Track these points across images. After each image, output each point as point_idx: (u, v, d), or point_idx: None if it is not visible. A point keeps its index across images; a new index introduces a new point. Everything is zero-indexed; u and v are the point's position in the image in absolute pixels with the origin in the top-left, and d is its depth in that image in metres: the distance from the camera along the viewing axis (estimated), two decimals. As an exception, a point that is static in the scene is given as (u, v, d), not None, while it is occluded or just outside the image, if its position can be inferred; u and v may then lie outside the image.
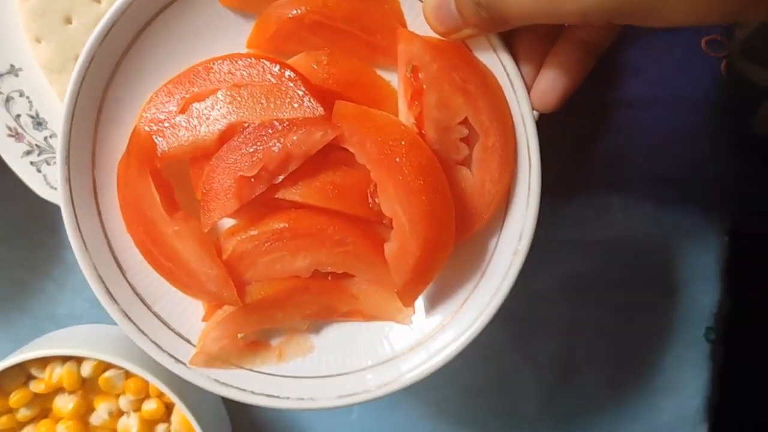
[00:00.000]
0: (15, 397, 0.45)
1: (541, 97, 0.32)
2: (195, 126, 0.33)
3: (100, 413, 0.46)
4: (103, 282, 0.34)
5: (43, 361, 0.45)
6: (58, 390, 0.46)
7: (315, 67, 0.34)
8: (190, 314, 0.36)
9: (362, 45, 0.34)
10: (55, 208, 0.49)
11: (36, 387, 0.46)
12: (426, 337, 0.35)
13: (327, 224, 0.33)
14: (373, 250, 0.33)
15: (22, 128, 0.46)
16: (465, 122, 0.32)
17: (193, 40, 0.34)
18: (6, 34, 0.46)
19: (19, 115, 0.46)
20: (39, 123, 0.47)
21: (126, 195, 0.33)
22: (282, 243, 0.33)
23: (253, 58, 0.33)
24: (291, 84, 0.32)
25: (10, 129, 0.46)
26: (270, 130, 0.32)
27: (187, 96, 0.33)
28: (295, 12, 0.33)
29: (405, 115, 0.33)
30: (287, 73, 0.32)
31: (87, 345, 0.45)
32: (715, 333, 0.52)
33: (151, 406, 0.46)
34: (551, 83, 0.32)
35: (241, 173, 0.32)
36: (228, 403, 0.51)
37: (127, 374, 0.45)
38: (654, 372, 0.52)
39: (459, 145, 0.33)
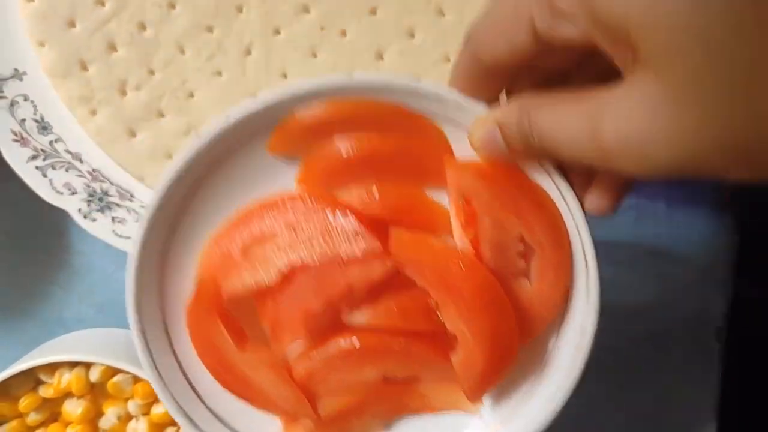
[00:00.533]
0: (24, 402, 0.45)
1: (597, 204, 0.32)
2: (256, 268, 0.35)
3: (109, 417, 0.46)
4: (183, 410, 0.36)
5: (52, 367, 0.45)
6: (67, 394, 0.46)
7: (366, 198, 0.35)
8: (267, 426, 0.38)
9: (410, 172, 0.35)
10: (59, 213, 0.48)
11: (45, 392, 0.46)
12: (496, 424, 0.36)
13: (392, 340, 0.35)
14: (439, 357, 0.35)
15: (27, 133, 0.46)
16: (520, 238, 0.34)
17: (247, 183, 0.36)
18: (9, 38, 0.46)
19: (24, 120, 0.46)
20: (44, 127, 0.47)
21: (197, 334, 0.36)
22: (350, 359, 0.35)
23: (307, 199, 0.35)
24: (345, 220, 0.34)
25: (15, 134, 0.46)
26: (330, 268, 0.34)
27: (247, 240, 0.35)
28: (341, 151, 0.35)
29: (459, 237, 0.34)
30: (340, 210, 0.34)
31: (95, 350, 0.45)
32: (726, 333, 0.51)
33: (159, 409, 0.45)
34: (604, 190, 0.32)
35: (307, 310, 0.35)
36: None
37: (135, 379, 0.45)
38: (663, 372, 0.52)
39: (516, 259, 0.34)
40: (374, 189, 0.35)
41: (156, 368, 0.35)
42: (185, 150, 0.33)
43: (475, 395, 0.34)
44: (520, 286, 0.34)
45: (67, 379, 0.45)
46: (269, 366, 0.35)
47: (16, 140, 0.46)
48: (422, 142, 0.34)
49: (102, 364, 0.44)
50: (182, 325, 0.37)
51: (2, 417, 0.46)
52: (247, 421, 0.37)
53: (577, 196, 0.32)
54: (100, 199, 0.47)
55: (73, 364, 0.45)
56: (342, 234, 0.34)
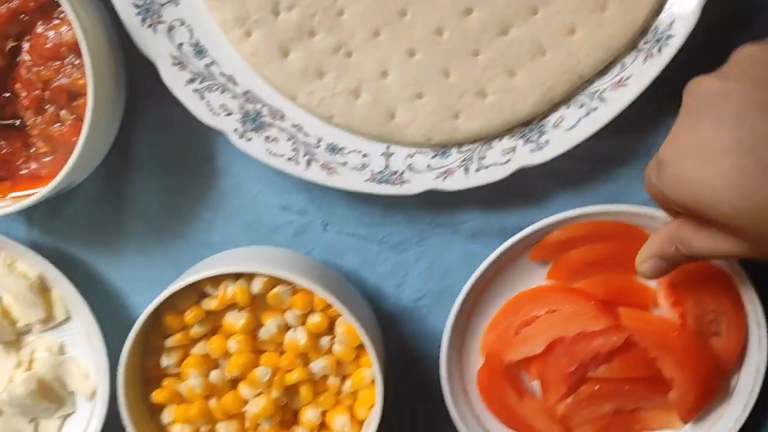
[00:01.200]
0: (189, 315, 0.48)
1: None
2: (527, 342, 0.51)
3: (269, 328, 0.48)
4: None
5: (215, 281, 0.48)
6: (229, 307, 0.49)
7: (598, 287, 0.51)
8: None
9: (625, 266, 0.49)
10: (213, 135, 0.51)
11: (208, 305, 0.48)
12: None
13: (623, 384, 0.51)
14: (655, 393, 0.51)
15: (185, 56, 0.48)
16: (713, 309, 0.51)
17: (513, 283, 0.52)
18: (162, -33, 0.48)
19: (181, 44, 0.48)
20: (200, 51, 0.49)
21: (487, 391, 0.53)
22: (594, 400, 0.52)
23: (559, 291, 0.52)
24: (588, 305, 0.51)
25: (174, 58, 0.48)
26: (580, 339, 0.50)
27: (517, 323, 0.52)
28: (580, 256, 0.52)
29: (667, 310, 0.51)
30: (584, 296, 0.51)
31: (256, 263, 0.47)
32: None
33: (315, 319, 0.48)
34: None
35: (566, 370, 0.51)
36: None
37: (294, 290, 0.47)
38: None
39: (710, 324, 0.50)
40: (602, 280, 0.51)
41: (461, 418, 0.51)
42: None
43: (686, 419, 0.51)
44: (713, 342, 0.51)
45: (231, 291, 0.47)
46: (541, 411, 0.52)
47: (174, 64, 0.48)
48: (634, 243, 0.46)
49: (265, 275, 0.47)
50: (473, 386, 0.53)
51: (169, 329, 0.49)
52: None
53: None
54: (254, 119, 0.49)
55: (235, 277, 0.48)
56: (587, 314, 0.50)
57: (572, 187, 0.52)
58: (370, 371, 0.47)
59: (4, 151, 0.50)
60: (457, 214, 0.52)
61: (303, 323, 0.48)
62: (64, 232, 0.54)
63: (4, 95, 0.49)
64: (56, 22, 0.47)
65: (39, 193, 0.47)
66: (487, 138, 0.48)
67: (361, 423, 0.49)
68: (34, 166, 0.51)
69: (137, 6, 0.48)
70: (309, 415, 0.49)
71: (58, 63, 0.48)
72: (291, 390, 0.49)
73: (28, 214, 0.54)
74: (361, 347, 0.48)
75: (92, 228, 0.55)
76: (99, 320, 0.52)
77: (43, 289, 0.53)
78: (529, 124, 0.48)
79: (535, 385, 0.52)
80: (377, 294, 0.54)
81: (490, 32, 0.47)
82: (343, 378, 0.49)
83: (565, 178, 0.51)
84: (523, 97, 0.47)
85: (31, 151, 0.50)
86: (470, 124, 0.48)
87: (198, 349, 0.49)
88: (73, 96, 0.48)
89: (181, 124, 0.51)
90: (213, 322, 0.49)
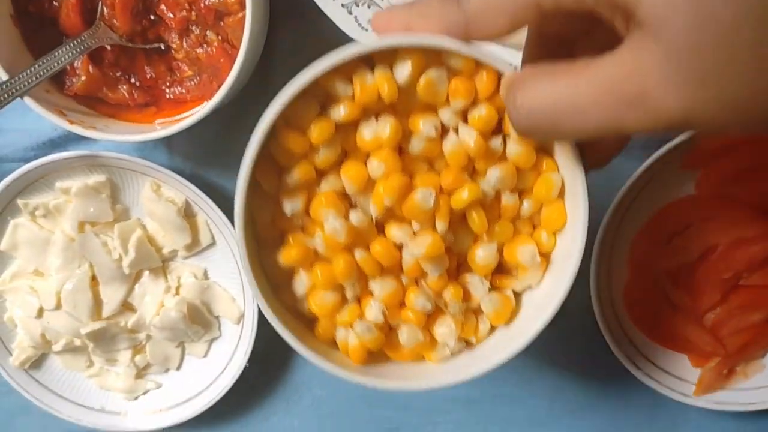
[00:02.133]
0: (315, 132, 0.34)
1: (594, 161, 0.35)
2: (678, 251, 0.52)
3: (424, 132, 0.34)
4: None
5: (343, 73, 0.33)
6: (364, 113, 0.34)
7: (753, 193, 0.51)
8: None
9: None
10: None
11: (337, 111, 0.34)
12: None
13: None
14: None
15: (331, -29, 0.47)
16: None
17: (662, 191, 0.51)
18: None
19: (327, -41, 0.47)
20: (346, -35, 0.48)
21: (636, 305, 0.52)
22: (746, 308, 0.52)
23: (712, 199, 0.51)
24: (743, 211, 0.51)
25: (320, -27, 0.47)
26: (737, 248, 0.50)
27: (670, 231, 0.52)
28: (732, 162, 0.51)
29: None
30: (738, 203, 0.51)
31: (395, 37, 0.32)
32: None
33: (481, 112, 0.34)
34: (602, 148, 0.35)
35: (721, 277, 0.51)
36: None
37: (450, 72, 0.33)
38: None
39: None
40: (758, 186, 0.49)
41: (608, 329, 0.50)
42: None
43: None
44: None
45: (371, 82, 0.33)
46: (691, 320, 0.52)
47: (320, -21, 0.47)
48: None
49: (414, 46, 0.32)
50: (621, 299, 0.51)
51: (288, 158, 0.35)
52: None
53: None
54: (403, 34, 0.48)
55: (366, 63, 0.34)
56: (743, 221, 0.49)
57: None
58: (558, 176, 0.35)
59: (149, 75, 0.50)
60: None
61: (464, 121, 0.35)
62: (203, 158, 0.55)
63: (149, 18, 0.49)
64: (204, -62, 0.46)
65: (196, 113, 0.46)
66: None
67: (546, 255, 0.37)
68: (178, 90, 0.50)
69: None
70: (482, 254, 0.36)
71: (205, -19, 0.47)
72: (454, 228, 0.36)
73: (169, 140, 0.54)
74: (541, 149, 0.35)
75: (229, 154, 0.55)
76: (243, 244, 0.52)
77: (188, 214, 0.53)
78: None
79: (684, 296, 0.52)
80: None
81: None
82: (521, 195, 0.36)
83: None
84: None
85: (176, 75, 0.50)
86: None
87: (328, 184, 0.35)
88: (219, 15, 0.48)
89: (322, 45, 0.51)
90: (343, 143, 0.35)
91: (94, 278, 0.54)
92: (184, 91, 0.50)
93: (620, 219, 0.51)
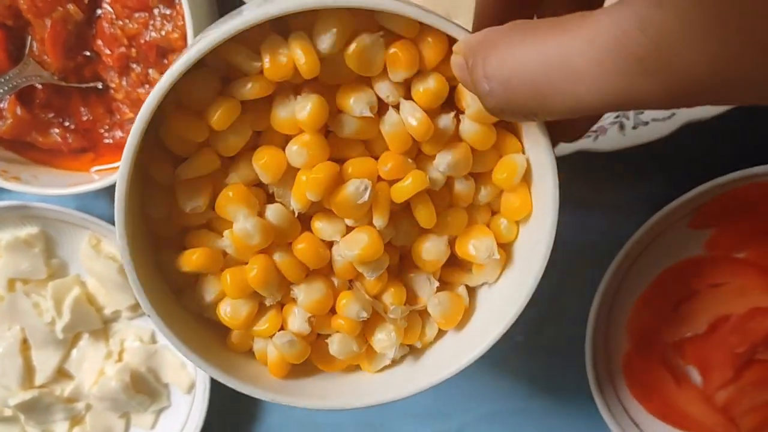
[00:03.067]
0: (215, 115, 0.27)
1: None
2: (686, 320, 0.46)
3: (356, 109, 0.27)
4: None
5: (246, 45, 0.27)
6: (277, 91, 0.28)
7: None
8: None
9: None
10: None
11: (242, 91, 0.27)
12: None
13: None
14: None
15: None
16: None
17: (667, 253, 0.45)
18: None
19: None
20: None
21: (636, 378, 0.46)
22: (762, 385, 0.46)
23: (723, 262, 0.45)
24: (759, 278, 0.45)
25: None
26: (752, 319, 0.44)
27: (675, 298, 0.46)
28: (747, 222, 0.45)
29: None
30: (753, 271, 0.45)
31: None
32: None
33: (429, 84, 0.27)
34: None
35: (734, 352, 0.45)
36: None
37: (388, 37, 0.27)
38: None
39: None
40: None
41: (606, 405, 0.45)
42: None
43: None
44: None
45: (283, 57, 0.27)
46: (699, 398, 0.46)
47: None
48: None
49: (344, 7, 0.25)
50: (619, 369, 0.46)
51: (182, 145, 0.29)
52: None
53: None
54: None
55: (276, 30, 0.27)
56: (758, 287, 0.44)
57: (739, 147, 0.45)
58: (522, 158, 0.29)
59: (86, 118, 0.44)
60: (602, 179, 0.46)
61: (406, 96, 0.28)
62: (151, 208, 0.49)
63: (84, 54, 0.43)
64: (143, -35, 0.41)
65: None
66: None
67: (507, 246, 0.31)
68: (119, 134, 0.45)
69: (235, -56, 0.41)
70: (430, 248, 0.30)
71: (145, 15, 0.41)
72: (395, 219, 0.30)
73: (111, 188, 0.48)
74: (502, 125, 0.29)
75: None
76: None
77: (131, 272, 0.48)
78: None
79: (691, 369, 0.46)
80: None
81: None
82: (477, 180, 0.30)
83: (733, 136, 0.44)
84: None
85: (116, 117, 0.44)
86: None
87: (238, 176, 0.29)
88: (163, 52, 0.42)
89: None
90: (254, 123, 0.29)
91: (25, 342, 0.48)
92: (124, 135, 0.44)
93: (620, 280, 0.45)
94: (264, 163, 0.28)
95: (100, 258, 0.46)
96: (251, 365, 0.31)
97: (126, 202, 0.28)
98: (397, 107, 0.28)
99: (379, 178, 0.28)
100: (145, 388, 0.49)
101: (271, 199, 0.29)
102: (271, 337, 0.30)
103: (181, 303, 0.31)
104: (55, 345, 0.47)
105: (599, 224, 0.46)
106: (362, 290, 0.30)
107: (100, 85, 0.44)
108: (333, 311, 0.30)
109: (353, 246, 0.28)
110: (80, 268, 0.48)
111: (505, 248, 0.31)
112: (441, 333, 0.32)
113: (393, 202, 0.28)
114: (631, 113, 0.41)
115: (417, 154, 0.29)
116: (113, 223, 0.45)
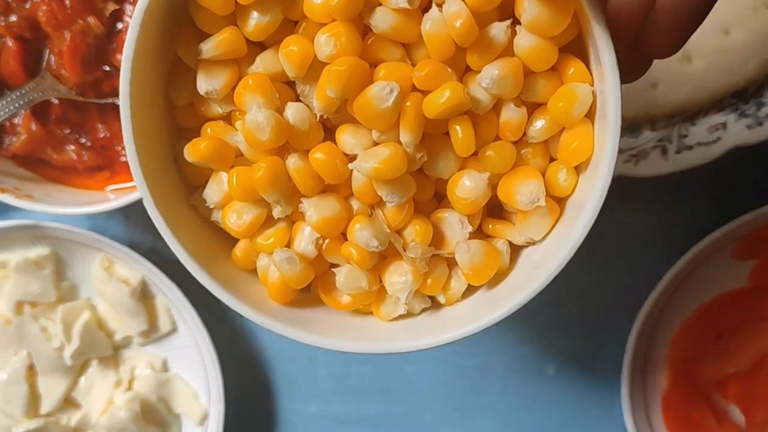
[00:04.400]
0: None
1: (661, 41, 0.23)
2: (728, 355, 0.43)
3: (392, 0, 0.25)
4: None
5: None
6: None
7: None
8: None
9: None
10: None
11: None
12: None
13: None
14: None
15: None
16: None
17: (711, 282, 0.43)
18: None
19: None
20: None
21: (675, 414, 0.44)
22: None
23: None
24: None
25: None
26: None
27: (718, 330, 0.43)
28: None
29: None
30: None
31: None
32: None
33: None
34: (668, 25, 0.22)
35: None
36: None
37: None
38: None
39: None
40: None
41: None
42: None
43: None
44: None
45: None
46: None
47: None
48: None
49: None
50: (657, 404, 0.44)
51: (210, 19, 0.26)
52: None
53: None
54: None
55: None
56: None
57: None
58: (587, 89, 0.25)
59: (102, 134, 0.43)
60: (643, 205, 0.44)
61: None
62: (167, 229, 0.47)
63: (103, 68, 0.41)
64: (168, -22, 0.39)
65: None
66: (690, 112, 0.40)
67: (563, 199, 0.27)
68: (136, 152, 0.43)
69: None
70: (468, 184, 0.26)
71: (168, 28, 0.40)
72: (431, 143, 0.26)
73: (126, 208, 0.46)
74: (567, 49, 0.26)
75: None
76: (209, 332, 0.44)
77: (145, 296, 0.45)
78: (743, 94, 0.39)
79: (733, 408, 0.44)
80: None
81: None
82: (532, 112, 0.26)
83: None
84: (740, 60, 0.38)
85: (134, 134, 0.43)
86: (671, 94, 0.39)
87: (263, 66, 0.27)
88: (185, 68, 0.40)
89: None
90: (287, 10, 0.26)
91: (31, 368, 0.45)
92: (142, 153, 0.43)
93: (660, 312, 0.42)
94: (289, 51, 0.25)
95: (113, 281, 0.44)
96: (252, 285, 0.28)
97: (132, 78, 0.26)
98: (442, 5, 0.24)
99: (414, 88, 0.25)
100: (155, 419, 0.46)
101: (298, 100, 0.26)
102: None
103: (191, 203, 0.28)
104: (62, 372, 0.45)
105: (638, 252, 0.44)
106: (381, 218, 0.26)
107: (118, 101, 0.42)
108: (347, 238, 0.27)
109: (371, 158, 0.25)
110: (91, 291, 0.46)
111: (561, 203, 0.26)
112: (470, 291, 0.28)
113: (428, 119, 0.25)
114: (674, 137, 0.40)
115: (464, 72, 0.25)
116: (127, 245, 0.44)
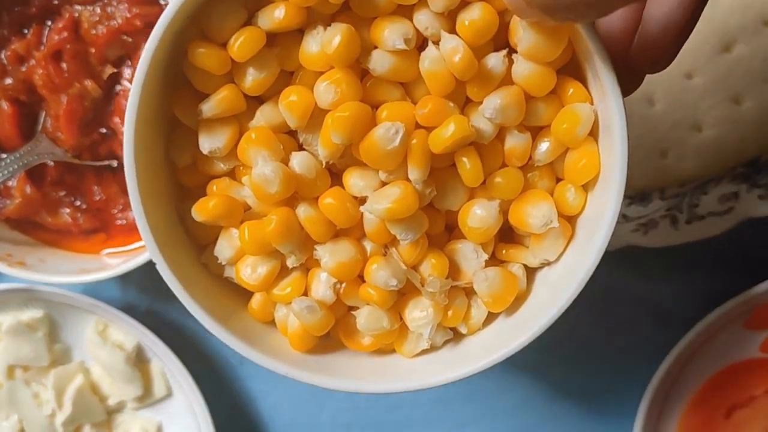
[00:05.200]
0: (237, 44, 0.25)
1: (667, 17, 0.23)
2: (741, 428, 0.42)
3: (391, 42, 0.24)
4: None
5: None
6: (306, 22, 0.25)
7: None
8: None
9: None
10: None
11: (267, 20, 0.25)
12: None
13: None
14: None
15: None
16: None
17: (721, 354, 0.42)
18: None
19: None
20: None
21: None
22: None
23: None
24: None
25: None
26: None
27: (728, 403, 0.42)
28: None
29: None
30: None
31: None
32: None
33: (474, 14, 0.24)
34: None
35: None
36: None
37: None
38: None
39: None
40: None
41: None
42: None
43: None
44: None
45: None
46: None
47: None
48: None
49: None
50: None
51: (207, 79, 0.26)
52: None
53: None
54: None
55: None
56: None
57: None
58: (588, 108, 0.25)
59: (98, 197, 0.42)
60: (654, 274, 0.43)
61: (451, 29, 0.25)
62: (163, 292, 0.46)
63: (100, 131, 0.41)
64: (166, 42, 0.39)
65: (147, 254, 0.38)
66: (701, 181, 0.39)
67: (573, 218, 0.27)
68: (132, 214, 0.42)
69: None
70: (479, 213, 0.26)
71: (166, 92, 0.39)
72: (439, 177, 0.26)
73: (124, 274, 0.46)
74: (564, 71, 0.26)
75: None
76: (205, 397, 0.43)
77: (140, 360, 0.44)
78: (755, 163, 0.38)
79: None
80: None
81: (710, 48, 0.37)
82: (535, 136, 0.26)
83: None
84: (752, 129, 0.37)
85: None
86: (682, 163, 0.38)
87: (264, 119, 0.26)
88: (183, 132, 0.40)
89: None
90: (282, 60, 0.26)
91: (23, 433, 0.44)
92: (139, 216, 0.42)
93: (672, 382, 0.41)
94: (290, 102, 0.25)
95: (107, 346, 0.43)
96: (272, 336, 0.28)
97: (136, 143, 0.25)
98: (437, 42, 0.24)
99: (418, 125, 0.25)
100: (149, 487, 0.45)
101: (301, 149, 0.26)
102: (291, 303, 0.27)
103: (201, 261, 0.28)
104: (53, 438, 0.44)
105: (649, 321, 0.43)
106: (396, 256, 0.26)
107: (115, 163, 0.41)
108: (364, 280, 0.27)
109: (383, 199, 0.25)
110: (85, 354, 0.45)
111: (571, 221, 0.26)
112: (490, 318, 0.28)
113: (434, 154, 0.25)
114: (684, 206, 0.38)
115: (465, 104, 0.26)
116: (122, 309, 0.43)
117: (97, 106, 0.40)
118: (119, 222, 0.42)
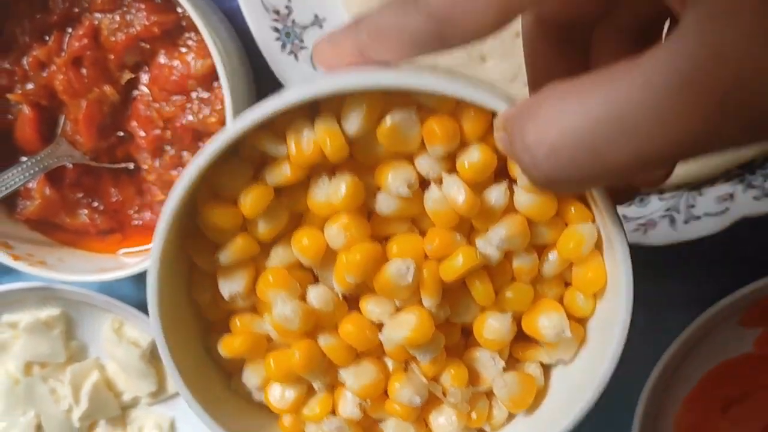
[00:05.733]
0: (247, 202, 0.26)
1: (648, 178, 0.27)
2: (737, 424, 0.43)
3: (393, 188, 0.25)
4: None
5: (273, 130, 0.25)
6: (309, 175, 0.27)
7: None
8: None
9: None
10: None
11: (274, 177, 0.26)
12: None
13: None
14: None
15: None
16: None
17: (714, 351, 0.43)
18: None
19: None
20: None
21: None
22: None
23: None
24: None
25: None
26: None
27: (725, 400, 0.43)
28: None
29: None
30: None
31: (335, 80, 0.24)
32: None
33: (474, 157, 0.25)
34: None
35: None
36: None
37: (422, 113, 0.25)
38: None
39: None
40: None
41: None
42: None
43: None
44: None
45: (309, 139, 0.25)
46: None
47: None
48: None
49: (364, 89, 0.24)
50: None
51: (220, 232, 0.27)
52: None
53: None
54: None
55: (306, 113, 0.25)
56: None
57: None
58: (590, 227, 0.26)
59: (115, 198, 0.43)
60: (650, 274, 0.44)
61: (451, 169, 0.26)
62: (177, 289, 0.47)
63: (117, 134, 0.42)
64: (183, 50, 0.40)
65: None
66: (696, 183, 0.40)
67: (583, 321, 0.28)
68: (148, 215, 0.43)
69: (276, 30, 0.41)
70: (493, 326, 0.27)
71: (182, 98, 0.41)
72: (452, 295, 0.27)
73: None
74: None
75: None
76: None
77: (154, 356, 0.46)
78: (750, 164, 0.40)
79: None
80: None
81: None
82: (541, 252, 0.27)
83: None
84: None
85: (146, 198, 0.43)
86: (678, 166, 0.39)
87: (278, 259, 0.28)
88: (199, 136, 0.41)
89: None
90: (290, 207, 0.27)
91: (39, 429, 0.45)
92: (154, 216, 0.43)
93: (668, 380, 0.42)
94: (302, 246, 0.26)
95: (122, 343, 0.44)
96: None
97: (159, 289, 0.26)
98: (440, 183, 0.26)
99: (427, 256, 0.26)
100: (162, 481, 0.46)
101: (317, 280, 0.28)
102: (321, 421, 0.28)
103: (231, 388, 0.29)
104: (70, 433, 0.45)
105: (645, 320, 0.44)
106: (418, 372, 0.27)
107: (131, 166, 0.43)
108: (388, 394, 0.28)
109: (400, 329, 0.26)
110: (101, 351, 0.46)
111: (582, 323, 0.28)
112: (512, 415, 0.29)
113: (444, 282, 0.26)
114: (682, 207, 0.40)
115: (470, 230, 0.27)
116: (138, 307, 0.44)
117: (114, 111, 0.41)
118: (135, 222, 0.43)
